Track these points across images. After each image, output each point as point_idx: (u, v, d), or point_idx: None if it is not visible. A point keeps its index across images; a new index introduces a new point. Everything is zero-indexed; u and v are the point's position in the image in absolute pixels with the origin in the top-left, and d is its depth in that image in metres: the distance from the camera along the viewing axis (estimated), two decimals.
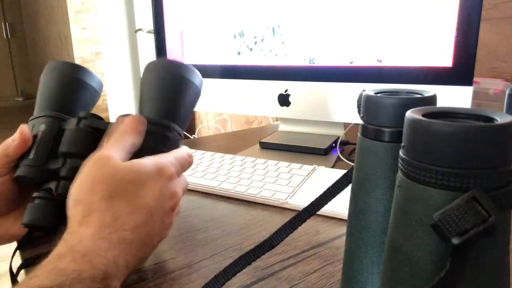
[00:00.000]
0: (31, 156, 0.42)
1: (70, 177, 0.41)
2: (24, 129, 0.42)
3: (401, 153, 0.19)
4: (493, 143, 0.15)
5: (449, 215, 0.15)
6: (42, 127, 0.44)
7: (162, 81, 0.43)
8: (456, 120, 0.18)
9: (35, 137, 0.43)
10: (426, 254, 0.17)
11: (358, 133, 0.26)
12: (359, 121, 0.26)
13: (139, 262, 0.35)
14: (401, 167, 0.18)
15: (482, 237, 0.15)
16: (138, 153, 0.39)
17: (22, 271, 0.40)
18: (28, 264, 0.41)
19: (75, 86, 0.48)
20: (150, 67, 0.45)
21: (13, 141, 0.42)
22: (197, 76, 0.45)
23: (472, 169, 0.15)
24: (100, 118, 0.43)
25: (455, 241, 0.15)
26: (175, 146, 0.42)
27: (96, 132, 0.42)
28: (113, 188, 0.34)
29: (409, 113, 0.18)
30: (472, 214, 0.15)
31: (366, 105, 0.25)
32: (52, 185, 0.41)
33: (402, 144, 0.19)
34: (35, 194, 0.42)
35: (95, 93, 0.50)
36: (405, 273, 0.18)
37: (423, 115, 0.17)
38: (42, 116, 0.45)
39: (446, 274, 0.15)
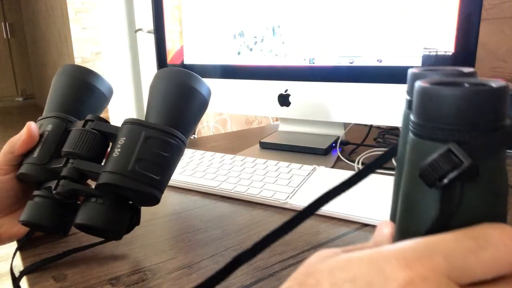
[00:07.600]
0: (35, 154, 0.42)
1: (71, 177, 0.41)
2: (31, 126, 0.42)
3: (411, 116, 0.20)
4: (472, 104, 0.17)
5: (432, 165, 0.18)
6: (49, 127, 0.44)
7: (171, 89, 0.44)
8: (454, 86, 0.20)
9: (41, 136, 0.43)
10: (432, 202, 0.19)
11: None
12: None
13: None
14: (410, 127, 0.20)
15: (463, 181, 0.18)
16: (138, 159, 0.39)
17: (24, 277, 0.40)
18: (31, 270, 0.40)
19: (84, 89, 0.48)
20: (160, 74, 0.45)
21: (20, 136, 0.42)
22: (205, 87, 0.46)
23: (457, 125, 0.18)
24: (107, 123, 0.43)
25: (438, 185, 0.18)
26: (178, 152, 0.43)
27: (101, 135, 0.42)
28: None
29: (417, 82, 0.19)
30: (447, 162, 0.17)
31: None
32: (52, 183, 0.41)
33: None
34: (35, 193, 0.43)
35: (104, 98, 0.51)
36: (415, 219, 0.20)
37: (431, 84, 0.19)
38: (50, 117, 0.45)
39: (437, 218, 0.18)
